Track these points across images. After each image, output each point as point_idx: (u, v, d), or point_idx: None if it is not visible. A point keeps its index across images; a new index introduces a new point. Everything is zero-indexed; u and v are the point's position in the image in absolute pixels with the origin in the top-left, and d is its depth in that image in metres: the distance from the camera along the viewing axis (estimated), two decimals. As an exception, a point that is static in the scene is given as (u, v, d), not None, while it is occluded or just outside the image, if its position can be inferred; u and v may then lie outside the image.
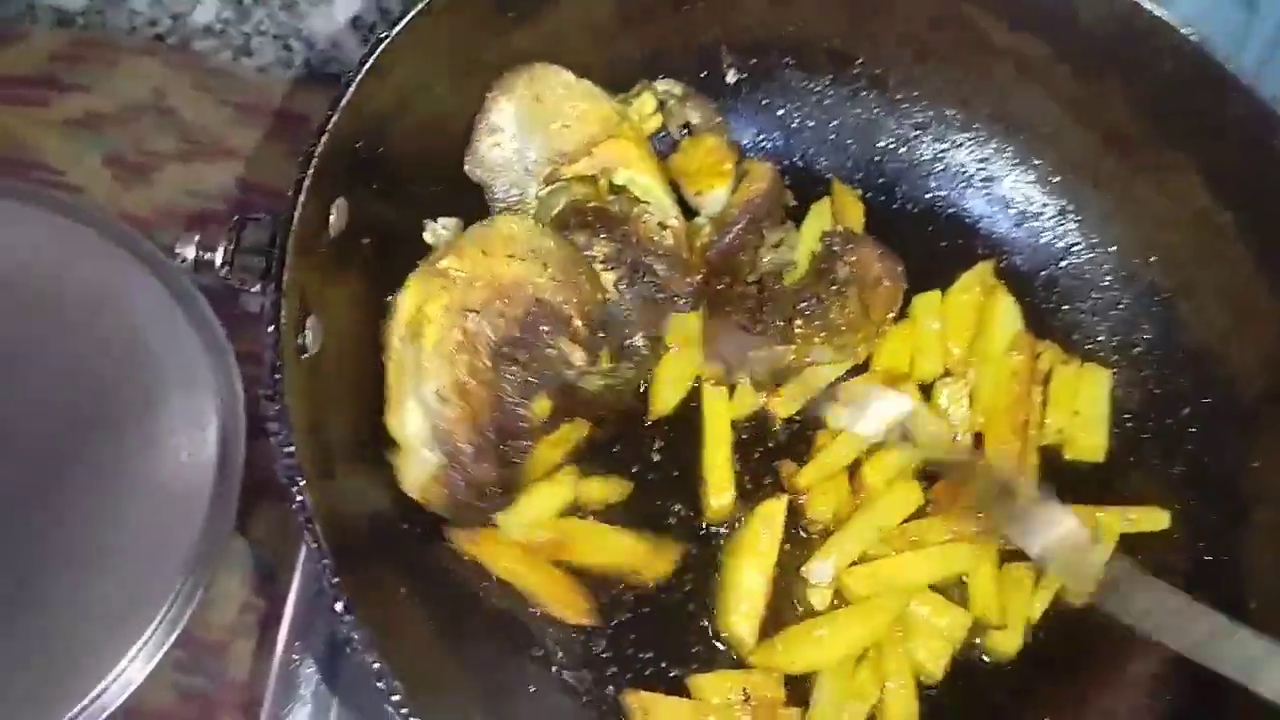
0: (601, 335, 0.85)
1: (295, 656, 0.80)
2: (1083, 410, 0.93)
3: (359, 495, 0.76)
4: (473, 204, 0.91)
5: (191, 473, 0.95)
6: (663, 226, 0.91)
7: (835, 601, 0.85)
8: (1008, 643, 0.85)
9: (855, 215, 1.00)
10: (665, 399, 0.91)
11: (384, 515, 0.78)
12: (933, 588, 0.86)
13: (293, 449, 0.60)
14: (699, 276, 0.92)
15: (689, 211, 0.96)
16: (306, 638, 0.80)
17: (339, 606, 0.56)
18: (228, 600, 0.95)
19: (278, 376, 0.62)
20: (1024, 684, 0.85)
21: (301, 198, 0.71)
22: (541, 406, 0.82)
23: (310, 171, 0.72)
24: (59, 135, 1.12)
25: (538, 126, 0.90)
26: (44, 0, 1.16)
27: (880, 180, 1.04)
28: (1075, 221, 1.01)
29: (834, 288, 0.91)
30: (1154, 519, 0.90)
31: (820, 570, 0.85)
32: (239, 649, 0.93)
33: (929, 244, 1.01)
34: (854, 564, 0.85)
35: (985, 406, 0.92)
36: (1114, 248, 1.00)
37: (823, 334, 0.90)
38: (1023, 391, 0.91)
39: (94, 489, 0.93)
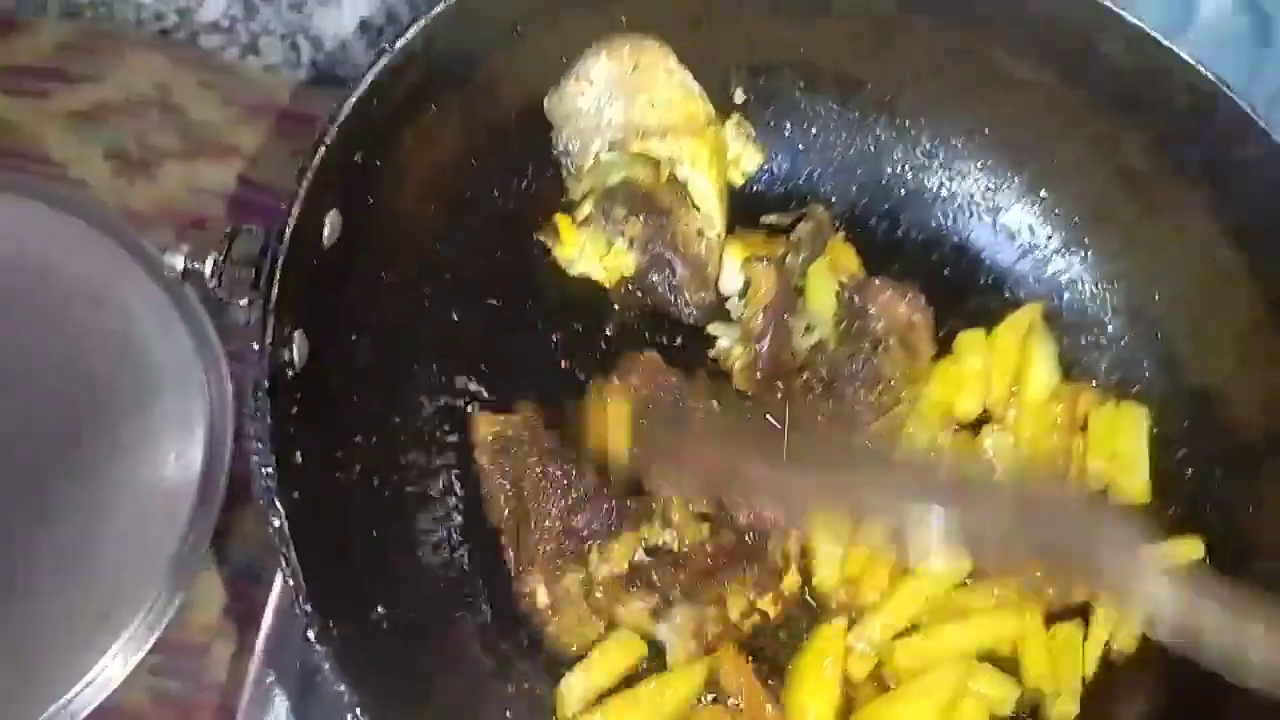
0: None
1: (269, 677, 0.78)
2: (1121, 451, 0.91)
3: (340, 518, 0.75)
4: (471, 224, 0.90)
5: (178, 474, 0.94)
6: (701, 235, 0.90)
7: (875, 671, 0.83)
8: (1065, 708, 0.82)
9: (850, 260, 0.98)
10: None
11: (365, 536, 0.77)
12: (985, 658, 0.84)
13: (272, 470, 0.59)
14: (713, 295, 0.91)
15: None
16: (279, 662, 0.78)
17: (310, 634, 0.54)
18: (209, 601, 0.94)
19: (261, 394, 0.61)
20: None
21: (296, 209, 0.70)
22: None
23: (306, 184, 0.71)
24: (61, 128, 1.11)
25: (625, 93, 0.89)
26: (53, -10, 1.15)
27: (886, 206, 1.02)
28: (1079, 256, 1.00)
29: (875, 345, 0.90)
30: (1148, 563, 0.88)
31: (865, 637, 0.83)
32: (218, 651, 0.92)
33: (932, 273, 1.00)
34: (899, 636, 0.83)
35: (1027, 459, 0.91)
36: (1118, 284, 0.98)
37: (889, 394, 0.88)
38: (1064, 443, 0.91)
39: (81, 487, 0.92)
